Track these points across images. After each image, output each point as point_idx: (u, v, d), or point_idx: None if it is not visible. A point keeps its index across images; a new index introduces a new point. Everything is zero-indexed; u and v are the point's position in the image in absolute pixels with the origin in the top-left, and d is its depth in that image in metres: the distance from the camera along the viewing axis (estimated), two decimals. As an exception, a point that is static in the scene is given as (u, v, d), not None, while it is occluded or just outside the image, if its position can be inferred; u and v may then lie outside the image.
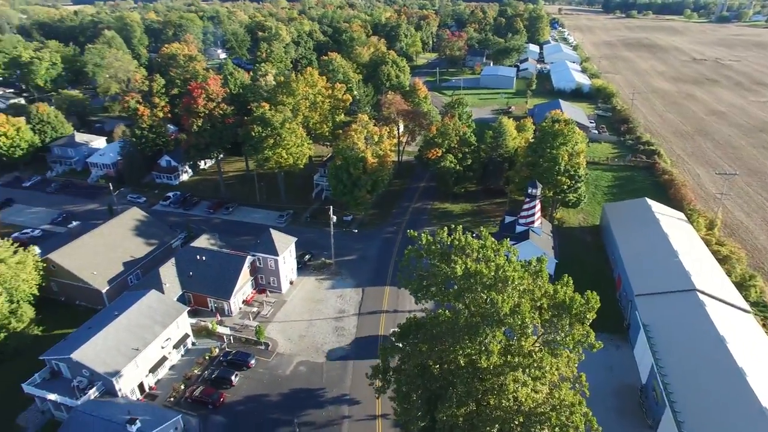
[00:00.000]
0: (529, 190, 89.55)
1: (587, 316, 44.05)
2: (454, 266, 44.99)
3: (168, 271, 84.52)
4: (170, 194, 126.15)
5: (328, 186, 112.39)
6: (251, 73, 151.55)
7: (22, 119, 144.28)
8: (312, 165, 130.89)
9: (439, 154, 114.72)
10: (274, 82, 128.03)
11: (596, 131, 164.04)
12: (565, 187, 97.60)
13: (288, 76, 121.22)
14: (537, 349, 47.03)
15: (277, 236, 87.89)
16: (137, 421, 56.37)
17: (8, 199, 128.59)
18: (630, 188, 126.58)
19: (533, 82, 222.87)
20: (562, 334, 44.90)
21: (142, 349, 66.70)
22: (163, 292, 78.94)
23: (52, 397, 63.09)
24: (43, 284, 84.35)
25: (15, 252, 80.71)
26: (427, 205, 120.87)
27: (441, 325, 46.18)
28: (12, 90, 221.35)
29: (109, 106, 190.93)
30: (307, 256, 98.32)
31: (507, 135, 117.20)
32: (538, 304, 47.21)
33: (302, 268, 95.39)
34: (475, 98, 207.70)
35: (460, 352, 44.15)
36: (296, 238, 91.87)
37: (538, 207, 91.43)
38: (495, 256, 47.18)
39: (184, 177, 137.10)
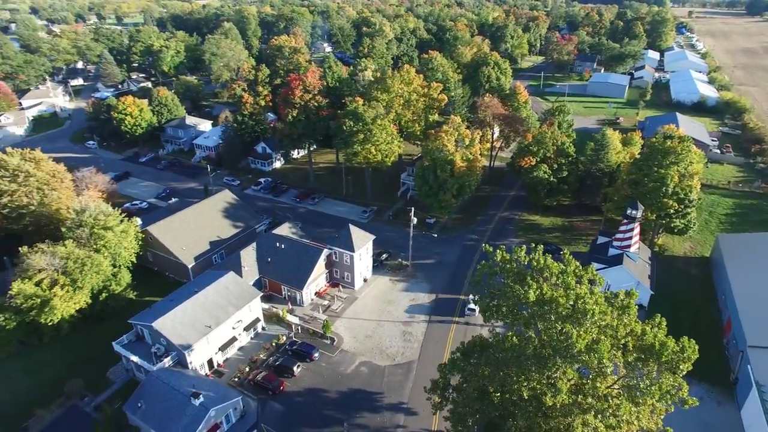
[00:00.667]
0: (629, 211, 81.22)
1: (680, 366, 38.06)
2: (528, 290, 41.01)
3: (248, 255, 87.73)
4: (262, 180, 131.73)
5: (414, 186, 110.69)
6: (351, 68, 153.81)
7: (146, 101, 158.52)
8: (401, 163, 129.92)
9: (533, 163, 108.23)
10: (371, 78, 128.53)
11: (718, 150, 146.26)
12: (672, 211, 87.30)
13: (385, 72, 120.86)
14: (615, 393, 41.68)
15: (356, 232, 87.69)
16: (201, 395, 58.66)
17: (126, 172, 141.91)
18: (754, 219, 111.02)
19: (648, 92, 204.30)
20: (647, 382, 39.27)
21: (214, 328, 69.57)
22: (241, 275, 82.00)
23: (134, 358, 67.91)
24: (141, 253, 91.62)
25: (121, 221, 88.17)
26: (515, 216, 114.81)
27: (507, 351, 42.47)
28: (144, 75, 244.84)
29: (219, 93, 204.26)
30: (384, 255, 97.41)
31: (610, 148, 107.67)
32: (622, 342, 41.71)
33: (378, 266, 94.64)
34: (580, 106, 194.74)
35: (525, 383, 40.27)
36: (375, 236, 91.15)
37: (637, 230, 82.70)
38: (576, 283, 42.32)
39: (277, 164, 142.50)
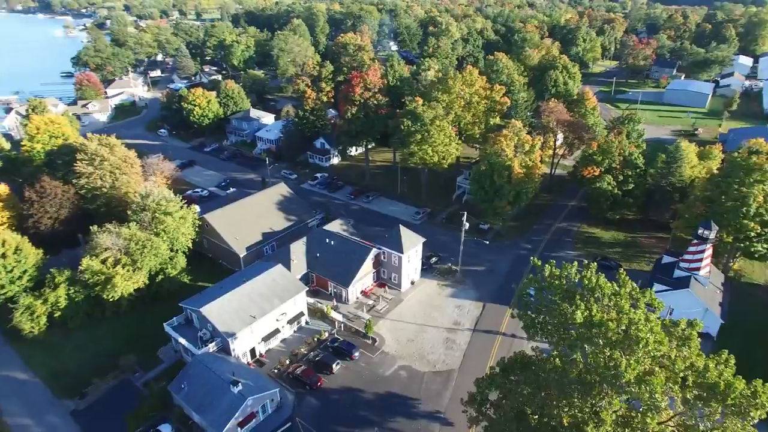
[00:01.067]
0: (701, 231, 74.85)
1: (751, 413, 33.99)
2: (575, 310, 38.24)
3: (298, 249, 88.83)
4: (318, 175, 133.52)
5: (470, 190, 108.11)
6: (413, 67, 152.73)
7: (214, 93, 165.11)
8: (458, 166, 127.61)
9: (596, 173, 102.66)
10: (433, 78, 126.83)
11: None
12: (753, 234, 79.60)
13: (447, 73, 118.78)
14: (669, 430, 38.13)
15: (406, 234, 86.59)
16: (240, 384, 59.80)
17: (191, 160, 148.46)
18: None
19: (734, 102, 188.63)
20: (709, 425, 35.53)
21: (258, 318, 70.83)
22: (289, 268, 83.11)
23: (182, 341, 70.43)
24: (197, 240, 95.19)
25: (180, 208, 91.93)
26: (574, 227, 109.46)
27: (549, 372, 39.93)
28: (215, 68, 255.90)
29: (284, 87, 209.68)
30: (434, 259, 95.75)
31: (684, 161, 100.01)
32: (681, 376, 38.00)
33: (427, 269, 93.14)
34: (654, 115, 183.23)
35: (566, 409, 37.67)
36: (425, 239, 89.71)
37: (709, 252, 76.11)
38: (631, 307, 38.99)
39: (335, 161, 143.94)
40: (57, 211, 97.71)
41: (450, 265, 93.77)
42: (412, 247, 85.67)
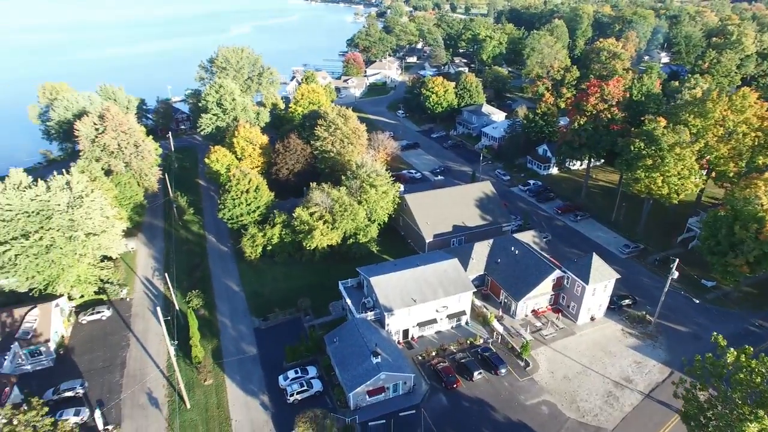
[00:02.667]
0: None
1: None
2: (751, 422, 28.46)
3: (481, 249, 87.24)
4: (531, 182, 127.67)
5: (700, 236, 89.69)
6: (675, 83, 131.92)
7: (452, 84, 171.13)
8: (696, 205, 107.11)
9: None
10: (690, 98, 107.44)
11: None
12: None
13: (708, 94, 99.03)
14: None
15: (598, 264, 76.94)
16: (379, 356, 62.68)
17: (416, 143, 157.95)
18: None
19: None
20: None
21: (418, 303, 72.40)
22: (466, 266, 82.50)
23: (348, 301, 76.93)
24: (393, 216, 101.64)
25: (387, 183, 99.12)
26: None
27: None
28: (465, 61, 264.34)
29: (525, 88, 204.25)
30: (627, 301, 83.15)
31: None
32: None
33: (615, 309, 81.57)
34: None
35: None
36: (620, 276, 78.28)
37: None
38: None
39: (553, 171, 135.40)
40: (294, 165, 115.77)
41: (645, 313, 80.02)
42: (601, 280, 75.69)
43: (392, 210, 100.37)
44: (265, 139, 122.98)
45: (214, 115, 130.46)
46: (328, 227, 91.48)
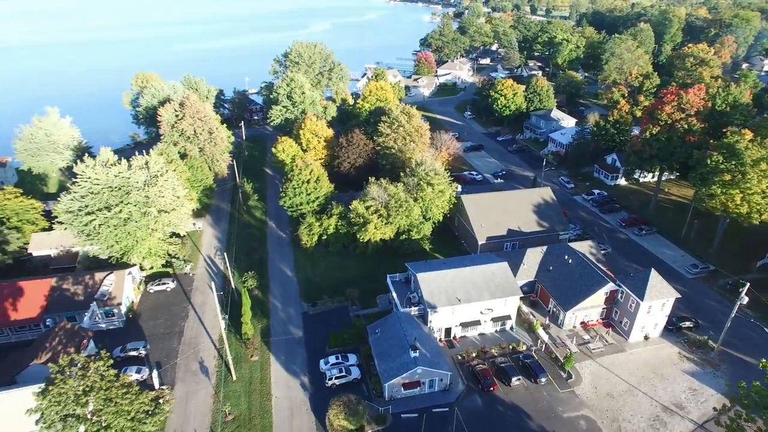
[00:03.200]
0: None
1: None
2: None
3: (534, 255, 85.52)
4: (596, 191, 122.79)
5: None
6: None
7: (522, 87, 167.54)
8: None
9: None
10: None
11: None
12: None
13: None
14: None
15: (656, 282, 73.13)
16: (417, 351, 63.48)
17: (480, 145, 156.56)
18: None
19: None
20: None
21: (462, 303, 72.34)
22: (516, 271, 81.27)
23: (394, 294, 78.20)
24: (448, 215, 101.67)
25: (443, 181, 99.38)
26: None
27: None
28: (540, 64, 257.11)
29: (600, 94, 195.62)
30: (688, 323, 78.22)
31: None
32: None
33: (673, 331, 77.09)
34: None
35: None
36: (680, 295, 73.90)
37: None
38: None
39: (622, 181, 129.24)
40: (356, 159, 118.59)
41: (708, 338, 74.97)
42: (659, 298, 71.86)
43: (447, 209, 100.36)
44: (330, 132, 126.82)
45: (283, 107, 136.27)
46: (382, 221, 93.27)
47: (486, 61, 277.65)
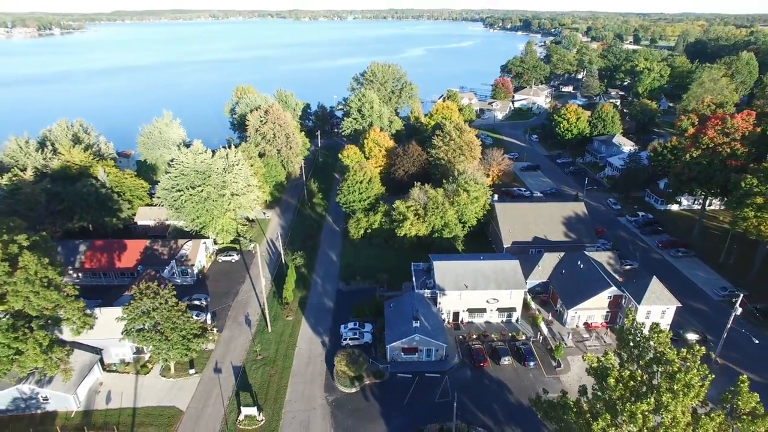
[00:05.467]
0: None
1: None
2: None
3: (550, 260, 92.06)
4: (640, 214, 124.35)
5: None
6: None
7: (588, 113, 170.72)
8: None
9: None
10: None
11: None
12: None
13: None
14: None
15: (656, 288, 77.04)
16: (419, 321, 73.75)
17: (537, 165, 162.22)
18: None
19: None
20: None
21: (469, 290, 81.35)
22: (530, 272, 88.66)
23: (413, 278, 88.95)
24: (483, 221, 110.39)
25: (480, 189, 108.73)
26: None
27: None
28: (622, 93, 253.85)
29: (677, 123, 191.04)
30: (696, 337, 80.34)
31: None
32: None
33: (676, 341, 79.54)
34: None
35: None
36: (680, 304, 76.95)
37: None
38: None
39: (674, 207, 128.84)
40: (410, 167, 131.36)
41: (712, 353, 76.70)
42: (657, 304, 75.74)
43: (481, 215, 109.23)
44: (391, 143, 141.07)
45: (354, 119, 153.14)
46: (418, 219, 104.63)
47: (569, 88, 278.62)
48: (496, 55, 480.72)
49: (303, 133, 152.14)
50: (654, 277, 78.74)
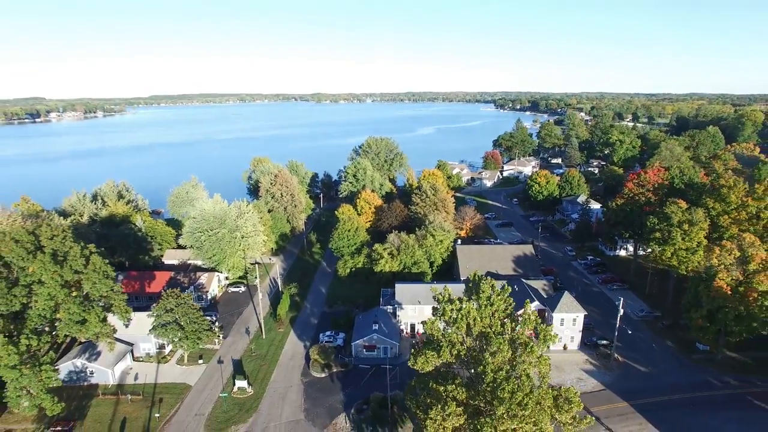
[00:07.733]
0: None
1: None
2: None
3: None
4: (589, 257, 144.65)
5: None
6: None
7: (557, 177, 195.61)
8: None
9: None
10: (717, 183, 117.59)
11: None
12: None
13: (738, 181, 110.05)
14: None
15: (567, 300, 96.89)
16: (378, 326, 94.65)
17: (510, 222, 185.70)
18: None
19: None
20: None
21: (422, 305, 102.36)
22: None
23: (381, 299, 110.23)
24: (446, 259, 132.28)
25: (445, 236, 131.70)
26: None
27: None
28: (603, 163, 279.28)
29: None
30: (604, 341, 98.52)
31: None
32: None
33: (590, 345, 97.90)
34: None
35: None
36: (586, 313, 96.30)
37: None
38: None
39: (621, 252, 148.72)
40: (393, 221, 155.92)
41: (617, 355, 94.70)
42: (567, 312, 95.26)
43: (446, 255, 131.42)
44: (379, 201, 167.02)
45: (349, 183, 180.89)
46: (392, 258, 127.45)
47: (557, 160, 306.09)
48: (500, 132, 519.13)
49: (309, 196, 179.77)
50: (565, 291, 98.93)
